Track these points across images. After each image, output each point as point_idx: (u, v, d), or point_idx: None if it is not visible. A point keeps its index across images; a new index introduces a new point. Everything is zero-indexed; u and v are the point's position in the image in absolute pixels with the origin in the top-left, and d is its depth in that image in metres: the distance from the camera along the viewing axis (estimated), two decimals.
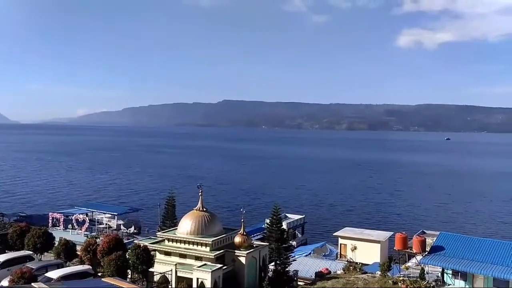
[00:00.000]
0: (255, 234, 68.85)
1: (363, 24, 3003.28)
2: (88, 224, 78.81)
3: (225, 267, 42.39)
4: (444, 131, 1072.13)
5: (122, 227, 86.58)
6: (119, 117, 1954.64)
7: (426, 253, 54.02)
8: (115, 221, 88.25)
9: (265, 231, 56.33)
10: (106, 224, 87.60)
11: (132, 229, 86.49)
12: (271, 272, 50.17)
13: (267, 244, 49.29)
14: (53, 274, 41.31)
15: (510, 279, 46.19)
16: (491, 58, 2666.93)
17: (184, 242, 44.42)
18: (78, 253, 50.46)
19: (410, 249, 58.64)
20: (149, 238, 51.08)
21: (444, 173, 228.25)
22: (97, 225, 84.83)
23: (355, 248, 67.53)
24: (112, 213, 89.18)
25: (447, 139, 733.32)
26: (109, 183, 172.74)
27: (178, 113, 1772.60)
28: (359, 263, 63.54)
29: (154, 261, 44.00)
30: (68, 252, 50.39)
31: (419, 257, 55.71)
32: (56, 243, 52.37)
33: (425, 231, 69.97)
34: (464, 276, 50.06)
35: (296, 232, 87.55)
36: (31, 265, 44.39)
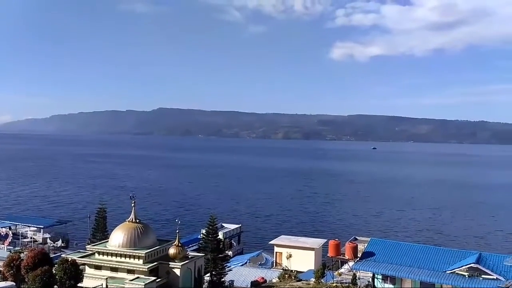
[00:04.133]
0: (190, 245, 67.88)
1: (298, 36, 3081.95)
2: (11, 238, 74.70)
3: (159, 279, 41.35)
4: (374, 141, 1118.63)
5: (48, 240, 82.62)
6: (46, 124, 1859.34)
7: (358, 259, 55.76)
8: (40, 234, 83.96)
9: (201, 241, 55.76)
10: (31, 238, 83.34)
11: (59, 243, 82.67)
12: (206, 283, 49.57)
13: (203, 254, 48.72)
14: None
15: (436, 282, 48.69)
16: (417, 72, 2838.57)
17: (116, 255, 42.91)
18: (0, 268, 47.42)
19: (343, 256, 60.28)
20: (78, 252, 49.02)
21: (372, 181, 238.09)
22: (21, 239, 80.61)
23: (290, 256, 68.32)
24: (38, 226, 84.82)
25: (373, 148, 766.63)
26: (35, 194, 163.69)
27: (110, 121, 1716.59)
28: (294, 270, 64.39)
29: (83, 276, 42.10)
30: None
31: (351, 263, 57.39)
32: None
33: (357, 237, 72.25)
34: (393, 280, 52.13)
35: (232, 242, 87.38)
36: None
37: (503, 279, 46.22)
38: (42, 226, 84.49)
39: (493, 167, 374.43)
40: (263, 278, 59.50)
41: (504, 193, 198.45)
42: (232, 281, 56.00)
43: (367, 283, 54.45)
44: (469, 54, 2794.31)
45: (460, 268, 48.48)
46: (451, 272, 48.82)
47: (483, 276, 47.14)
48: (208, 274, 50.58)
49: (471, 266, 47.88)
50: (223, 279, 51.28)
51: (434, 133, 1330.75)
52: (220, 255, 51.75)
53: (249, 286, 57.12)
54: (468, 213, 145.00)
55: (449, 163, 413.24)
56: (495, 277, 46.59)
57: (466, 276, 47.59)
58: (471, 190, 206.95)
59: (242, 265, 69.30)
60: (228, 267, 53.36)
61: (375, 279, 53.75)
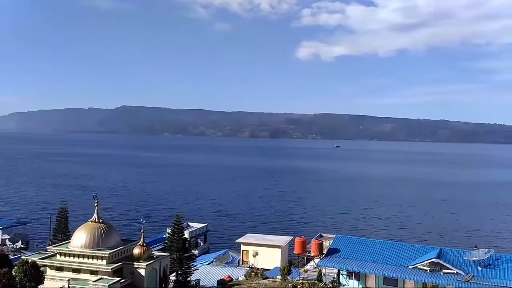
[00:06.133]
0: (155, 245, 67.01)
1: (265, 35, 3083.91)
2: None
3: (123, 280, 40.56)
4: (339, 139, 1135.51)
5: (7, 242, 79.82)
6: (4, 122, 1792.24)
7: (323, 255, 56.38)
8: None
9: (166, 241, 55.04)
10: None
11: (19, 244, 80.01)
12: (172, 283, 49.00)
13: (168, 254, 48.14)
14: None
15: (399, 277, 49.79)
16: (381, 72, 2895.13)
17: (78, 256, 41.85)
18: None
19: (309, 253, 60.81)
20: (39, 253, 47.39)
21: (336, 179, 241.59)
22: None
23: (256, 254, 68.41)
24: None
25: (336, 146, 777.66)
26: None
27: (72, 119, 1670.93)
28: (261, 268, 64.50)
29: (44, 278, 40.79)
30: None
31: (317, 260, 57.98)
32: None
33: (322, 234, 72.97)
34: (357, 276, 53.00)
35: (199, 241, 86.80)
36: None
37: (463, 273, 47.69)
38: (1, 227, 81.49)
39: (454, 165, 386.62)
40: (229, 276, 59.32)
41: (463, 191, 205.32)
42: (199, 280, 55.56)
43: (332, 279, 55.13)
44: (430, 55, 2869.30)
45: (422, 263, 49.75)
46: (413, 267, 50.03)
47: (443, 270, 48.51)
48: (174, 274, 50.01)
49: (432, 261, 49.20)
50: (189, 279, 50.80)
51: (397, 131, 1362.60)
52: (186, 254, 51.25)
53: (215, 285, 56.82)
54: (430, 210, 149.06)
55: (411, 161, 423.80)
56: (455, 272, 48.02)
57: (428, 270, 48.87)
58: (433, 187, 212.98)
59: (208, 264, 68.92)
60: (194, 266, 52.90)
61: (340, 275, 54.53)
